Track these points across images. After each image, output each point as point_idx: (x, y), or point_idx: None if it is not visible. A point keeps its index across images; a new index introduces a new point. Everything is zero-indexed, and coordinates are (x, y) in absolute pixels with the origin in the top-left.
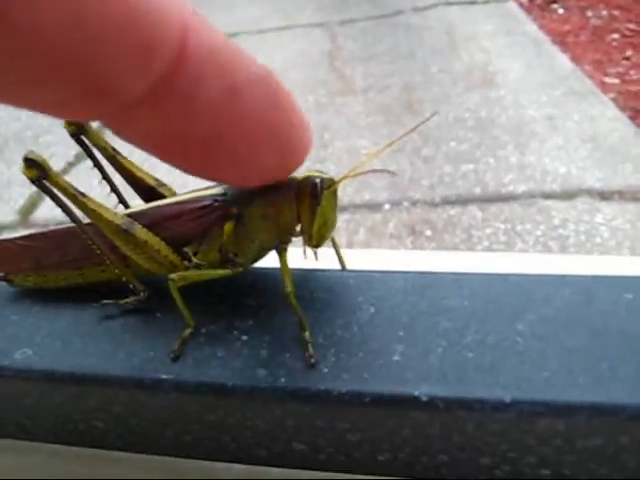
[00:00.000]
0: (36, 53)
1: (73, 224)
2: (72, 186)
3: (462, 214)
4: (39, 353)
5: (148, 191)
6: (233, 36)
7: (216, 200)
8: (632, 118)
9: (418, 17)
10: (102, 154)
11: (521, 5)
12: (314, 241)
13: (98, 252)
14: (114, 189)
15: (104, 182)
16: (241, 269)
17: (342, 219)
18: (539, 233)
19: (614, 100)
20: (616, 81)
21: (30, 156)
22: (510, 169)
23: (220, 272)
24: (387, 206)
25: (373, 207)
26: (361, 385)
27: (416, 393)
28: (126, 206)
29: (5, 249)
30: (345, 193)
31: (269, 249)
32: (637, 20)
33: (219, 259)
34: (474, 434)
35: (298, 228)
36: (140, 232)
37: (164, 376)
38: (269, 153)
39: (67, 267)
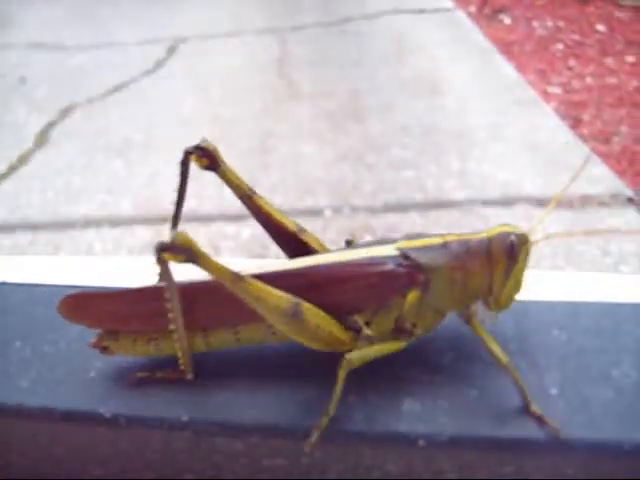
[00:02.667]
0: None
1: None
2: (230, 270)
3: (402, 220)
4: None
5: (288, 238)
6: (183, 41)
7: (401, 264)
8: (572, 127)
9: (368, 25)
10: (235, 193)
11: (469, 14)
12: (501, 304)
13: (172, 326)
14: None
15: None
16: (414, 339)
17: None
18: None
19: (556, 109)
20: (558, 91)
21: (177, 242)
22: (451, 176)
23: (396, 346)
24: (328, 212)
25: (314, 213)
26: None
27: None
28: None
29: (103, 303)
30: (287, 199)
31: (446, 315)
32: (581, 31)
33: (393, 329)
34: None
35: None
36: (309, 315)
37: None
38: None
39: (191, 328)
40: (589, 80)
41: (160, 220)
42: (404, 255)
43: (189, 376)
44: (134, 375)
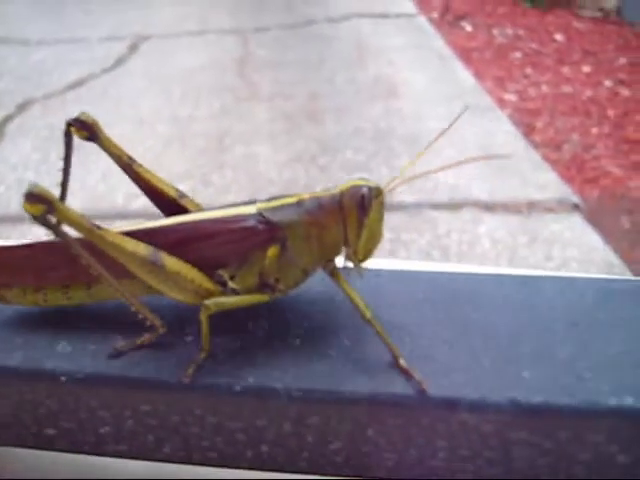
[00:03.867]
0: None
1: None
2: (87, 219)
3: None
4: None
5: (169, 203)
6: (145, 39)
7: (260, 222)
8: (526, 134)
9: (330, 28)
10: (115, 161)
11: (431, 20)
12: (360, 256)
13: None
14: (65, 186)
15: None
16: (279, 294)
17: None
18: (423, 242)
19: (510, 116)
20: (514, 98)
21: (34, 191)
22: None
23: (258, 298)
24: None
25: None
26: None
27: None
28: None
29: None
30: (238, 198)
31: (311, 272)
32: (540, 40)
33: (258, 284)
34: None
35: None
36: (169, 263)
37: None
38: None
39: (75, 282)
40: (545, 88)
41: (112, 216)
42: (261, 214)
43: (161, 330)
44: (115, 348)
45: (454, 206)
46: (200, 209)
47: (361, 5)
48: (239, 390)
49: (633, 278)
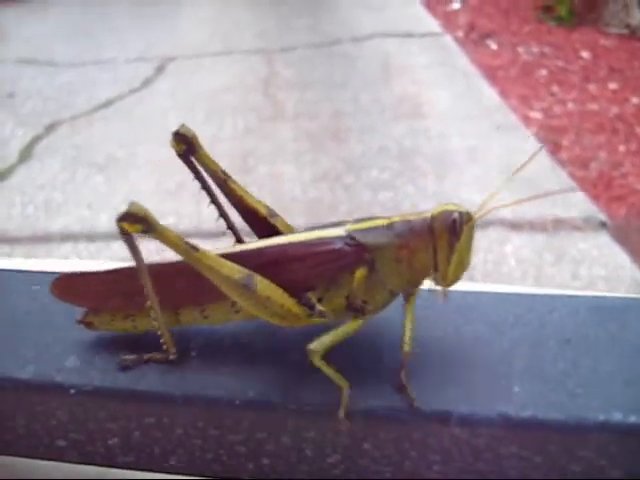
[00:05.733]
0: None
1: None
2: (184, 240)
3: None
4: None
5: (259, 221)
6: (172, 60)
7: (348, 244)
8: (551, 152)
9: (355, 47)
10: (211, 177)
11: (456, 39)
12: (448, 280)
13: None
14: (223, 215)
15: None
16: (368, 317)
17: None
18: None
19: (536, 134)
20: (540, 116)
21: (133, 210)
22: (427, 197)
23: (354, 326)
24: None
25: None
26: None
27: None
28: (235, 233)
29: (87, 283)
30: None
31: (398, 294)
32: (565, 58)
33: (344, 306)
34: None
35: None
36: (261, 286)
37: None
38: None
39: (163, 307)
40: (570, 106)
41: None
42: (350, 236)
43: (172, 357)
44: (123, 359)
45: (480, 225)
46: (289, 228)
47: (386, 25)
48: (238, 404)
49: (623, 295)
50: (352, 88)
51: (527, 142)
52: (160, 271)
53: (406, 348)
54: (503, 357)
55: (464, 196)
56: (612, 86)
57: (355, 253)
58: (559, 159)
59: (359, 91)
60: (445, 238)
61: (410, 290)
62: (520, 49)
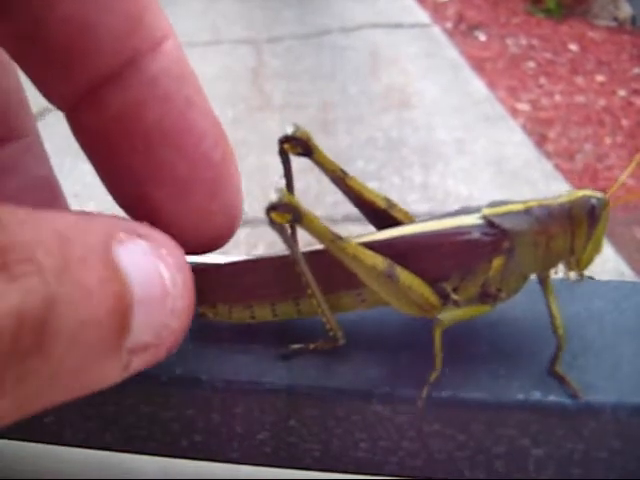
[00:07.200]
0: None
1: (284, 253)
2: (330, 229)
3: (362, 231)
4: None
5: (379, 214)
6: None
7: (486, 232)
8: (538, 143)
9: (344, 38)
10: (329, 175)
11: (445, 30)
12: (583, 265)
13: (309, 290)
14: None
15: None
16: (500, 302)
17: (244, 233)
18: None
19: (523, 126)
20: (527, 107)
21: (285, 200)
22: (414, 189)
23: (484, 309)
24: None
25: None
26: None
27: None
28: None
29: (207, 277)
30: (251, 208)
31: (528, 278)
32: (554, 50)
33: (478, 294)
34: None
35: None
36: (403, 276)
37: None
38: (203, 191)
39: (283, 299)
40: (558, 98)
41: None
42: (489, 222)
43: (341, 342)
44: (287, 348)
45: None
46: (409, 217)
47: (375, 15)
48: (165, 380)
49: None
50: (340, 79)
51: (514, 133)
52: (284, 262)
53: (560, 332)
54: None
55: (451, 188)
56: (600, 78)
57: (494, 241)
58: (545, 151)
59: (347, 82)
60: (584, 224)
61: (544, 274)
62: (508, 41)
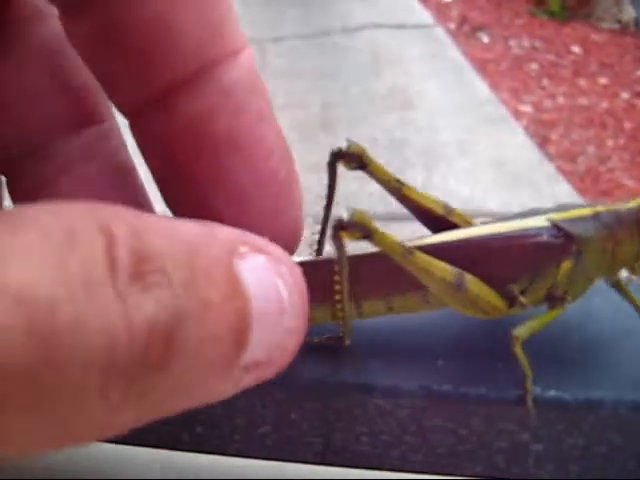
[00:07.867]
0: None
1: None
2: (400, 244)
3: None
4: None
5: (438, 221)
6: None
7: (554, 235)
8: (540, 145)
9: (346, 38)
10: (384, 186)
11: (448, 31)
12: None
13: (337, 295)
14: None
15: None
16: (567, 304)
17: None
18: None
19: (525, 127)
20: (529, 109)
21: (357, 219)
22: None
23: (555, 314)
24: None
25: None
26: None
27: None
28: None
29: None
30: None
31: (594, 281)
32: (556, 52)
33: (545, 297)
34: None
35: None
36: (471, 285)
37: None
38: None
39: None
40: (560, 100)
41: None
42: (556, 227)
43: (347, 342)
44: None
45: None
46: (469, 221)
47: (378, 16)
48: None
49: None
50: (342, 79)
51: (516, 135)
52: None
53: None
54: (430, 334)
55: (452, 188)
56: (602, 81)
57: (563, 245)
58: (547, 153)
59: (350, 82)
60: None
61: (614, 278)
62: (511, 42)
